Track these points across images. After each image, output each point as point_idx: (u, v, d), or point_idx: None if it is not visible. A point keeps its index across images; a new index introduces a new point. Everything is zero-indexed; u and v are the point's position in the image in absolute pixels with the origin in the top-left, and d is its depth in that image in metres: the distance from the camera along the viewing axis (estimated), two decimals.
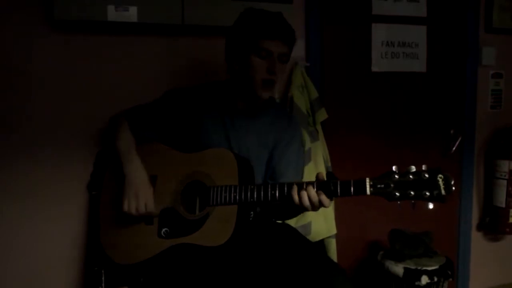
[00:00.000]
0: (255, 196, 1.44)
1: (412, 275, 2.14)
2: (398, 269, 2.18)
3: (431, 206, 1.30)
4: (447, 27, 2.62)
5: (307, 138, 2.15)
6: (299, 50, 2.28)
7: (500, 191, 2.65)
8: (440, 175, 1.29)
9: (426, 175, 1.30)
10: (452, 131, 2.66)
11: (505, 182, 2.62)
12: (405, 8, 2.51)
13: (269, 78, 1.55)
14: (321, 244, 2.23)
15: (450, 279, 2.23)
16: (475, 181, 2.77)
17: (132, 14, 1.82)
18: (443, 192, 1.29)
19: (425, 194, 1.29)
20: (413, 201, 1.32)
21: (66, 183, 1.95)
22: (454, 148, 2.65)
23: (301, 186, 1.40)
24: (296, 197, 1.39)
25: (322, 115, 2.24)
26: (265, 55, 1.53)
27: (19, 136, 1.89)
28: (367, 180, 1.33)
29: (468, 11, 2.63)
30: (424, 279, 2.13)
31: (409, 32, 2.53)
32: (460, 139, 2.65)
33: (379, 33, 2.48)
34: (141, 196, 1.51)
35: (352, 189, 1.35)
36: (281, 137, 1.68)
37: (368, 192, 1.33)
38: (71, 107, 1.94)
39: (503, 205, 2.64)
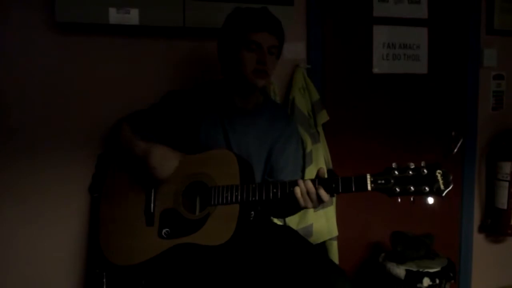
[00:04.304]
0: (257, 195, 1.45)
1: (414, 277, 2.14)
2: (400, 271, 2.18)
3: (431, 201, 1.32)
4: (448, 29, 2.62)
5: (308, 140, 2.15)
6: (300, 52, 2.28)
7: (502, 193, 2.65)
8: (438, 171, 1.32)
9: (425, 171, 1.32)
10: (453, 133, 2.66)
11: (507, 183, 2.61)
12: (406, 10, 2.51)
13: (260, 68, 1.57)
14: (323, 246, 2.23)
15: (452, 281, 2.23)
16: (476, 183, 2.76)
17: (133, 16, 1.83)
18: (442, 186, 1.31)
19: (425, 189, 1.31)
20: (412, 198, 1.33)
21: (67, 184, 1.96)
22: (455, 150, 2.64)
23: (301, 183, 1.41)
24: (298, 193, 1.40)
25: (323, 117, 2.24)
26: (254, 48, 1.56)
27: (20, 137, 1.90)
28: (368, 176, 1.35)
29: (469, 13, 2.63)
30: (426, 281, 2.13)
31: (410, 34, 2.53)
32: (461, 140, 2.64)
33: (380, 35, 2.47)
34: (166, 154, 1.56)
35: (353, 185, 1.37)
36: (280, 135, 1.70)
37: (369, 187, 1.35)
38: (73, 108, 1.95)
39: (505, 207, 2.63)
